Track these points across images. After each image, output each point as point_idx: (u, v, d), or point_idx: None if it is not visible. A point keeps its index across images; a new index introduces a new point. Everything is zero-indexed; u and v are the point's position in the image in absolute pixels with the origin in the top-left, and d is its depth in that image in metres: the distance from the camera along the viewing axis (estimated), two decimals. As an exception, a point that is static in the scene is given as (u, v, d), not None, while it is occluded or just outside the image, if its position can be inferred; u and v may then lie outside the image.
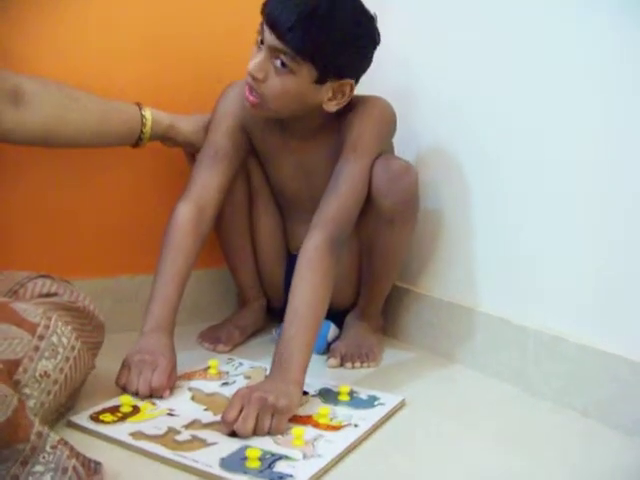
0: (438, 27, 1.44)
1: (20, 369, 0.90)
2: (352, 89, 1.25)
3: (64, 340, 0.97)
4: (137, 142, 1.32)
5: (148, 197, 1.49)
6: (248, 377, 1.24)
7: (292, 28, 1.13)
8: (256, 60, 1.18)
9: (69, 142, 1.22)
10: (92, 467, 0.87)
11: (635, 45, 1.09)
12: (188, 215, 1.27)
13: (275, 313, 1.53)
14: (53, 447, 0.85)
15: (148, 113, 1.31)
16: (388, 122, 1.32)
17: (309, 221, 1.26)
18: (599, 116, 1.15)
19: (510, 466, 1.01)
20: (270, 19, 1.15)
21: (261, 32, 1.18)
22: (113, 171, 1.44)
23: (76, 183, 1.41)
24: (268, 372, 1.14)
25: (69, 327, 0.99)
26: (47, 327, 0.95)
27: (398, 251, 1.37)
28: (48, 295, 1.03)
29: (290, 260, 1.49)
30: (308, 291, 1.14)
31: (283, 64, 1.17)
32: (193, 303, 1.52)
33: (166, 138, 1.36)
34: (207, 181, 1.30)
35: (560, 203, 1.22)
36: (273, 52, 1.17)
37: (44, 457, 0.84)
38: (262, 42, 1.18)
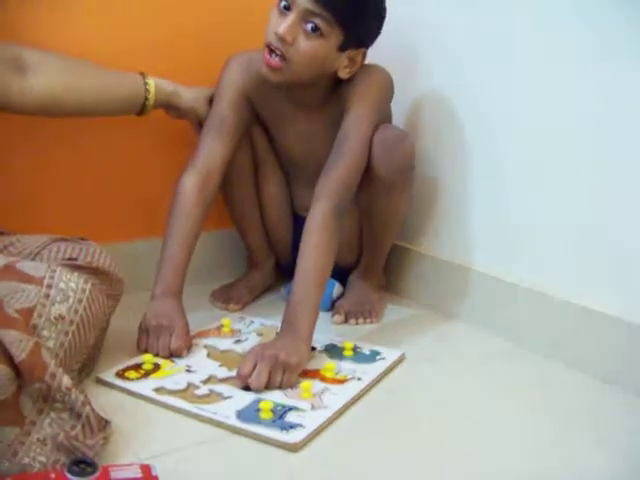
0: None
1: (35, 314, 0.98)
2: (364, 57, 1.32)
3: (72, 285, 1.04)
4: (141, 110, 1.36)
5: (159, 165, 1.55)
6: (260, 334, 1.33)
7: None
8: (286, 23, 1.22)
9: (74, 110, 1.26)
10: (102, 422, 0.94)
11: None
12: (193, 184, 1.34)
13: (283, 270, 1.62)
14: (67, 388, 0.92)
15: (151, 81, 1.35)
16: (386, 90, 1.38)
17: (313, 183, 1.34)
18: (598, 84, 1.21)
19: (500, 414, 1.10)
20: None
21: None
22: (127, 140, 1.50)
23: (88, 150, 1.46)
24: (279, 330, 1.23)
25: (75, 274, 1.05)
26: (52, 277, 1.02)
27: (395, 215, 1.45)
28: (67, 260, 1.09)
29: (296, 220, 1.57)
30: (315, 256, 1.22)
31: (315, 28, 1.22)
32: (204, 264, 1.58)
33: (169, 106, 1.40)
34: (212, 152, 1.36)
35: (549, 170, 1.30)
36: (306, 15, 1.22)
37: (60, 396, 0.91)
38: (287, 8, 1.23)
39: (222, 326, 1.35)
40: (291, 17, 1.23)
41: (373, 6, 1.28)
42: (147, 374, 1.15)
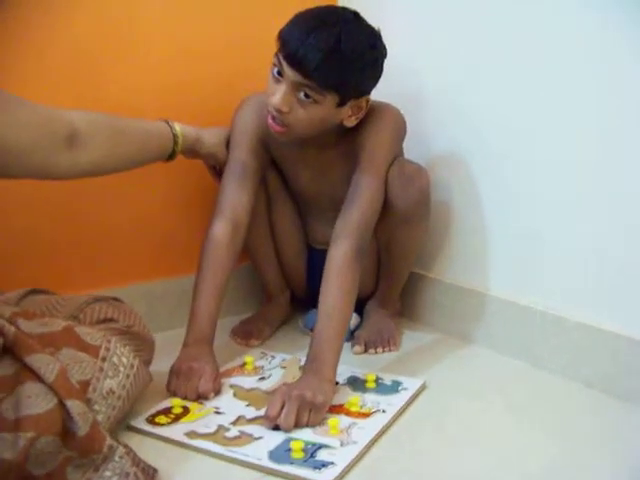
0: (441, 30, 1.53)
1: (90, 388, 1.03)
2: (368, 102, 1.34)
3: (124, 360, 1.10)
4: (168, 158, 1.39)
5: (173, 207, 1.59)
6: (284, 367, 1.36)
7: (318, 67, 1.20)
8: (279, 94, 1.25)
9: (112, 172, 1.29)
10: (150, 473, 1.00)
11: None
12: (224, 232, 1.37)
13: (299, 303, 1.66)
14: (120, 457, 0.99)
15: (178, 129, 1.37)
16: (400, 130, 1.42)
17: (328, 217, 1.39)
18: (599, 111, 1.25)
19: (525, 439, 1.13)
20: (294, 60, 1.21)
21: (278, 64, 1.25)
22: (144, 183, 1.53)
23: (108, 194, 1.49)
24: (302, 361, 1.27)
25: (127, 348, 1.11)
26: (108, 349, 1.08)
27: (413, 246, 1.49)
28: (105, 320, 1.15)
29: (310, 253, 1.61)
30: (338, 297, 1.25)
31: (307, 95, 1.25)
32: None
33: (191, 152, 1.43)
34: (238, 198, 1.39)
35: (563, 194, 1.33)
36: (297, 86, 1.24)
37: (112, 465, 0.98)
38: (279, 74, 1.25)
39: (245, 364, 1.38)
40: (283, 87, 1.25)
41: (362, 64, 1.26)
42: (177, 418, 1.18)
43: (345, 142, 1.40)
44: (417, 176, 1.38)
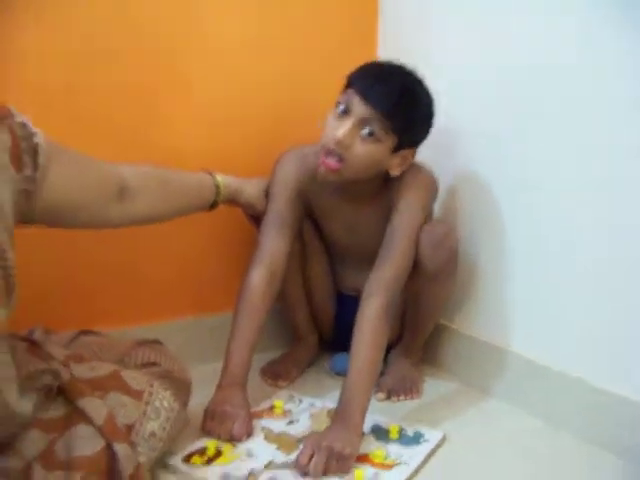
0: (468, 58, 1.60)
1: (134, 432, 1.11)
2: (414, 155, 1.44)
3: (165, 403, 1.17)
4: (210, 207, 1.46)
5: (208, 249, 1.68)
6: (312, 415, 1.43)
7: (392, 105, 1.32)
8: (344, 128, 1.33)
9: (158, 221, 1.36)
10: None
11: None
12: (261, 279, 1.44)
13: (326, 345, 1.73)
14: None
15: (220, 181, 1.44)
16: (433, 192, 1.50)
17: (357, 265, 1.51)
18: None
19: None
20: (370, 95, 1.32)
21: (345, 101, 1.34)
22: (186, 226, 1.60)
23: (150, 236, 1.57)
24: (327, 412, 1.38)
25: (168, 392, 1.19)
26: (150, 393, 1.16)
27: (440, 302, 1.56)
28: (149, 365, 1.23)
29: (340, 299, 1.69)
30: (370, 351, 1.32)
31: (371, 133, 1.33)
32: None
33: (231, 202, 1.51)
34: (276, 248, 1.46)
35: (589, 253, 1.38)
36: (363, 122, 1.33)
37: None
38: (345, 112, 1.34)
39: (274, 407, 1.45)
40: (349, 122, 1.33)
41: (426, 109, 1.40)
42: (210, 460, 1.25)
43: (379, 199, 1.48)
44: (446, 238, 1.45)
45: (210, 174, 1.45)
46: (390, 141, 1.36)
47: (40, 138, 1.05)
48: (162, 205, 1.33)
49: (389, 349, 1.66)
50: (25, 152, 1.02)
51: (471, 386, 1.62)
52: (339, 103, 1.36)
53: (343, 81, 1.40)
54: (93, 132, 1.46)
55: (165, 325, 1.60)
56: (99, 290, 1.54)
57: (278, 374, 1.62)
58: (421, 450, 1.32)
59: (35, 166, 1.04)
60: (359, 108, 1.33)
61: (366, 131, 1.34)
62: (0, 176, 0.97)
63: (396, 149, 1.38)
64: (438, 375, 1.68)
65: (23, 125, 1.03)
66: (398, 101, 1.33)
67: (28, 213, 1.06)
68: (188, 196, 1.40)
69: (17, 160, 1.01)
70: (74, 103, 1.45)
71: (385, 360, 1.64)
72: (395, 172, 1.42)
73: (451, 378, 1.67)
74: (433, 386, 1.63)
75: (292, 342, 1.75)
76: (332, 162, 1.36)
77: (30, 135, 1.03)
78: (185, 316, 1.66)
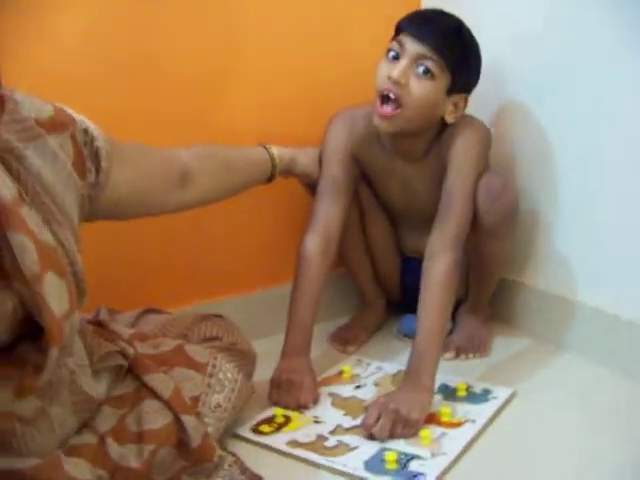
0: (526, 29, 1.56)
1: (200, 403, 1.14)
2: (466, 103, 1.42)
3: (229, 375, 1.20)
4: (268, 180, 1.46)
5: (268, 219, 1.69)
6: (376, 384, 1.43)
7: (443, 41, 1.33)
8: (398, 67, 1.33)
9: (216, 202, 1.37)
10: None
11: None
12: (315, 246, 1.45)
13: (394, 308, 1.73)
14: (230, 465, 1.10)
15: (275, 153, 1.44)
16: (486, 143, 1.46)
17: (417, 227, 1.49)
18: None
19: (619, 460, 1.16)
20: (422, 33, 1.33)
21: (397, 45, 1.35)
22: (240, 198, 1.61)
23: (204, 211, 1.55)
24: (392, 377, 1.38)
25: (231, 364, 1.22)
26: (214, 366, 1.19)
27: (501, 257, 1.53)
28: (212, 339, 1.26)
29: (403, 261, 1.68)
30: (438, 311, 1.32)
31: (426, 70, 1.33)
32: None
33: (287, 173, 1.51)
34: (330, 213, 1.47)
35: None
36: (417, 59, 1.33)
37: (223, 473, 1.09)
38: (396, 57, 1.34)
39: (342, 372, 1.47)
40: (403, 62, 1.33)
41: (475, 51, 1.40)
42: (279, 427, 1.28)
43: (432, 156, 1.46)
44: (503, 192, 1.42)
45: (265, 147, 1.45)
46: (444, 80, 1.35)
47: (100, 141, 1.07)
48: (223, 185, 1.35)
49: (456, 307, 1.64)
50: (88, 158, 1.04)
51: (542, 340, 1.60)
52: (390, 50, 1.37)
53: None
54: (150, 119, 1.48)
55: (227, 301, 1.61)
56: (162, 269, 1.57)
57: (346, 340, 1.63)
58: (489, 407, 1.31)
59: (98, 170, 1.06)
60: (412, 46, 1.33)
61: (422, 68, 1.33)
62: (66, 185, 0.99)
63: (449, 91, 1.37)
64: (509, 332, 1.66)
65: (85, 131, 1.05)
66: (450, 38, 1.35)
67: (92, 214, 1.09)
68: (247, 172, 1.41)
69: (81, 168, 1.03)
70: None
71: (453, 318, 1.64)
72: (450, 119, 1.40)
73: (522, 334, 1.64)
74: (503, 343, 1.61)
75: (360, 307, 1.75)
76: (388, 109, 1.35)
77: (91, 140, 1.05)
78: (247, 290, 1.68)
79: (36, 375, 0.91)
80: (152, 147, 1.21)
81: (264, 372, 1.37)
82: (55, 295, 0.91)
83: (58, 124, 1.00)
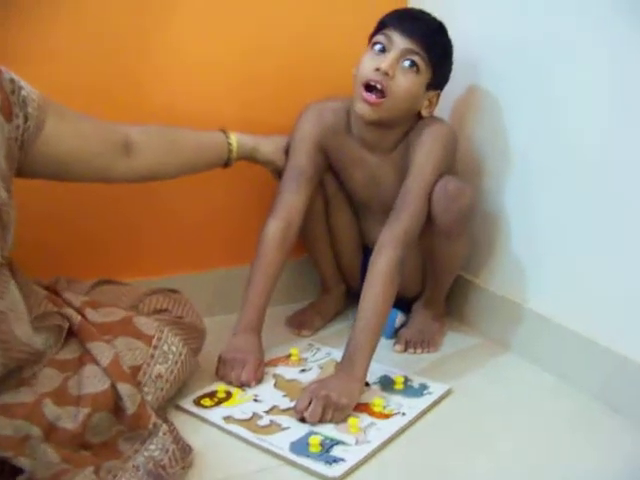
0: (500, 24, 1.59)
1: (141, 373, 1.20)
2: (438, 99, 1.50)
3: (173, 348, 1.26)
4: (225, 165, 1.51)
5: (237, 202, 1.73)
6: (321, 367, 1.48)
7: (429, 37, 1.42)
8: (387, 60, 1.39)
9: (167, 178, 1.43)
10: (186, 450, 1.16)
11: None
12: (277, 231, 1.50)
13: (354, 297, 1.76)
14: (164, 434, 1.15)
15: (234, 140, 1.48)
16: (451, 146, 1.50)
17: (379, 219, 1.51)
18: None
19: (539, 463, 1.20)
20: (409, 28, 1.41)
21: (384, 39, 1.41)
22: (210, 182, 1.64)
23: (175, 190, 1.61)
24: (337, 365, 1.40)
25: (177, 337, 1.27)
26: (159, 339, 1.25)
27: (454, 258, 1.57)
28: (161, 311, 1.32)
29: (366, 251, 1.71)
30: (378, 303, 1.36)
31: (412, 64, 1.40)
32: (281, 288, 1.67)
33: (249, 159, 1.55)
34: (293, 200, 1.51)
35: (608, 213, 1.37)
36: (406, 53, 1.40)
37: (157, 440, 1.14)
38: (382, 50, 1.41)
39: (290, 355, 1.52)
40: (391, 55, 1.40)
41: (452, 51, 1.49)
42: (219, 402, 1.33)
43: (399, 149, 1.51)
44: (460, 195, 1.45)
45: (224, 132, 1.49)
46: (427, 75, 1.43)
47: (28, 91, 1.15)
48: (169, 160, 1.40)
49: (412, 302, 1.69)
50: (15, 105, 1.12)
51: (491, 341, 1.64)
52: (376, 43, 1.43)
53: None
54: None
55: (188, 277, 1.66)
56: (122, 242, 1.62)
57: (302, 323, 1.68)
58: (422, 402, 1.36)
59: (26, 117, 1.14)
60: (400, 41, 1.40)
61: (408, 62, 1.40)
62: None
63: (428, 86, 1.45)
64: (461, 329, 1.70)
65: (11, 80, 1.13)
66: (435, 35, 1.44)
67: (26, 162, 1.16)
68: (196, 153, 1.45)
69: (8, 111, 1.11)
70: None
71: (409, 312, 1.68)
72: (425, 113, 1.48)
73: (473, 332, 1.68)
74: (454, 340, 1.65)
75: (320, 293, 1.80)
76: (373, 97, 1.40)
77: (19, 89, 1.14)
78: (208, 268, 1.72)
79: None
80: (96, 117, 1.28)
81: (221, 348, 1.43)
82: None
83: None
